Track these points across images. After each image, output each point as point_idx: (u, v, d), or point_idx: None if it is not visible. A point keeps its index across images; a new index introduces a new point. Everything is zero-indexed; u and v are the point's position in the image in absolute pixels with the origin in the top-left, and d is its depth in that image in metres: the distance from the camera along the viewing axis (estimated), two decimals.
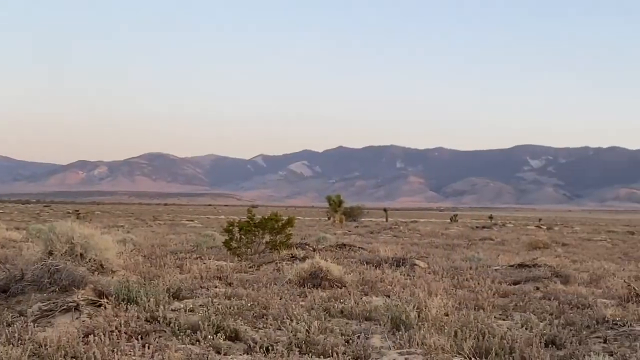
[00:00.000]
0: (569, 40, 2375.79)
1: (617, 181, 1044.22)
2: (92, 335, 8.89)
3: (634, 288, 14.44)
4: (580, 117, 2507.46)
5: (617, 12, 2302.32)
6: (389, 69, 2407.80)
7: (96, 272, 14.90)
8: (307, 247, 24.25)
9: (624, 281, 15.99)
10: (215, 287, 14.58)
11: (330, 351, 8.90)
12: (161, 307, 10.89)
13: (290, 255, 20.18)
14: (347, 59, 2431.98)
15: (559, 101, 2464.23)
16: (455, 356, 8.87)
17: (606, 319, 11.43)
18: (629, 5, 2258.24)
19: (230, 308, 11.35)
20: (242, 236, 22.08)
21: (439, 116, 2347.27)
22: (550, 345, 9.78)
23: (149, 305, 11.08)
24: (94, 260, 15.79)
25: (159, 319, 10.41)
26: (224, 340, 9.32)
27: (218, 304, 11.63)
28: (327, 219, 74.47)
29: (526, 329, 10.83)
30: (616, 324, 11.05)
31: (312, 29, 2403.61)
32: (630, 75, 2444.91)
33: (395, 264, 18.98)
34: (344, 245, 25.86)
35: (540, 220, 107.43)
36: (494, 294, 14.45)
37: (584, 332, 10.72)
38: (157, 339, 9.30)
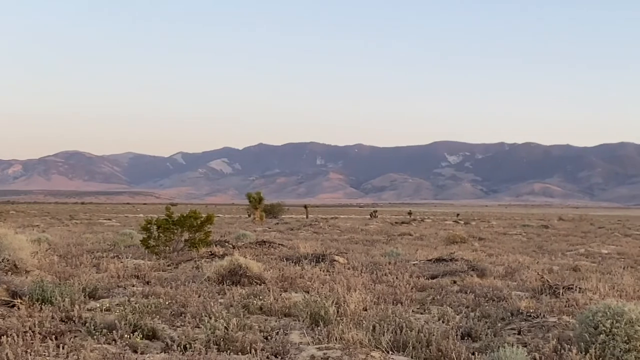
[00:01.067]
0: (483, 38, 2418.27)
1: (532, 176, 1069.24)
2: (5, 336, 8.67)
3: (547, 280, 14.85)
4: (496, 113, 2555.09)
5: (536, 7, 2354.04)
6: (308, 66, 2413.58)
7: (9, 273, 14.66)
8: (226, 244, 24.19)
9: (538, 274, 16.40)
10: (133, 285, 14.47)
11: (248, 348, 8.88)
12: (77, 306, 10.72)
13: (210, 253, 20.09)
14: (265, 56, 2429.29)
15: (476, 98, 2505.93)
16: (373, 350, 8.93)
17: (520, 310, 11.74)
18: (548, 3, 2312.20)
19: (147, 307, 11.21)
20: (161, 234, 21.88)
21: (358, 113, 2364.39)
22: (466, 338, 9.99)
23: (64, 305, 10.92)
24: (7, 260, 15.50)
25: (74, 318, 10.25)
26: (141, 339, 9.21)
27: (135, 303, 11.47)
28: (247, 216, 74.30)
29: (443, 322, 11.01)
30: (530, 316, 11.35)
31: (229, 25, 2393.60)
32: (544, 72, 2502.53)
33: (315, 260, 19.09)
34: (264, 242, 25.90)
35: (457, 215, 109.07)
36: (412, 288, 14.66)
37: (499, 324, 10.97)
38: (72, 339, 9.13)
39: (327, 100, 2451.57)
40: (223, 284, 14.51)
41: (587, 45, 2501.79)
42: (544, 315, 11.37)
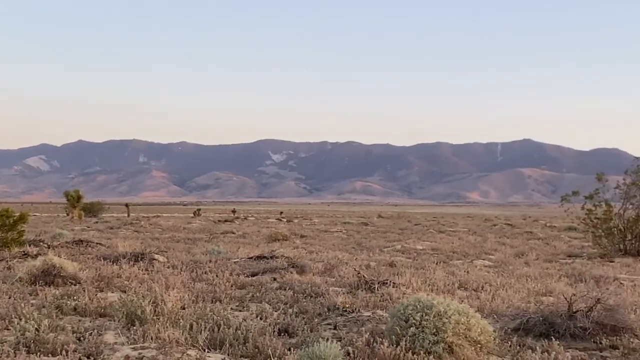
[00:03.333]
0: (302, 39, 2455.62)
1: (354, 175, 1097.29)
2: None
3: (363, 276, 15.24)
4: (320, 113, 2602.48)
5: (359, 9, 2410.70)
6: (131, 59, 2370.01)
7: None
8: (41, 244, 23.50)
9: (355, 269, 16.80)
10: None
11: (60, 349, 8.61)
12: None
13: (23, 253, 19.42)
14: (84, 47, 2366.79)
15: (300, 97, 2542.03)
16: (190, 349, 8.88)
17: (337, 306, 12.01)
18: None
19: None
20: None
21: (182, 110, 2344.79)
22: (283, 334, 10.08)
23: None
24: None
25: None
26: None
27: None
28: (65, 215, 72.10)
29: (261, 318, 11.06)
30: (346, 311, 11.65)
31: (48, 16, 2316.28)
32: (365, 73, 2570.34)
33: (133, 259, 18.76)
34: (81, 241, 25.29)
35: (281, 213, 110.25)
36: (231, 286, 14.70)
37: (316, 320, 11.16)
38: None
39: (150, 96, 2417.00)
40: (36, 284, 14.03)
41: (400, 47, 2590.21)
42: (359, 310, 11.70)
